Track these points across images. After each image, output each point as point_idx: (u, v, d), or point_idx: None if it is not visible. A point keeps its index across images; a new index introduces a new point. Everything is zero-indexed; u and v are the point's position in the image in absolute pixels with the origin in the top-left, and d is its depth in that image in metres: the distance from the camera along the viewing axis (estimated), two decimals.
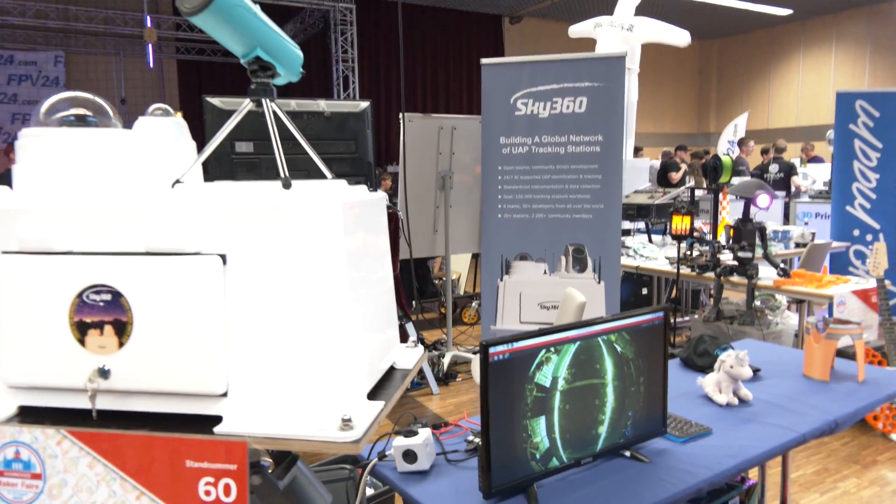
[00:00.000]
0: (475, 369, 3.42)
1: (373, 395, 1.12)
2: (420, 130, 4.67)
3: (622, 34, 5.71)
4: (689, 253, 4.66)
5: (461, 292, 6.55)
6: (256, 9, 1.08)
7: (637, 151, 9.73)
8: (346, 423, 0.95)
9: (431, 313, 6.54)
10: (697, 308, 5.67)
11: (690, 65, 16.18)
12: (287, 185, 1.01)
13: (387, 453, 1.68)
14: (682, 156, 9.71)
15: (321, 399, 0.97)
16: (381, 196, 1.22)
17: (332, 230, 1.00)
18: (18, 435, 1.03)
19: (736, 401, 1.98)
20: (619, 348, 1.62)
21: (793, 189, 7.84)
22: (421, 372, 4.54)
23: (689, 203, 4.68)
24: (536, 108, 4.13)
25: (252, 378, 0.98)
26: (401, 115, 4.49)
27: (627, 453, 1.67)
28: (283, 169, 1.03)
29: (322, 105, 4.27)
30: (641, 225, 6.20)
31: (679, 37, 5.80)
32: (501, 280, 4.30)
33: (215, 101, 3.76)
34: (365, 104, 4.32)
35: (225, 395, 0.99)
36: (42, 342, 1.02)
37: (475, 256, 6.45)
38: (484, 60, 4.20)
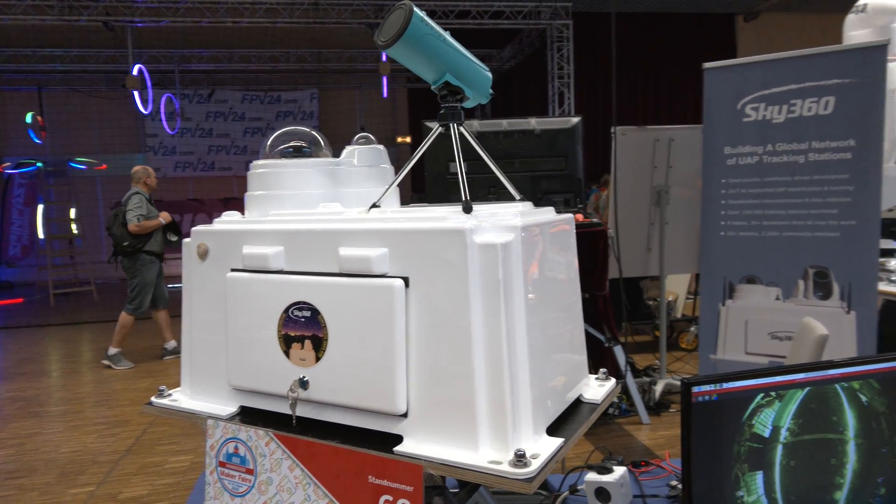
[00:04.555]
0: None
1: (554, 429, 1.06)
2: (634, 144, 4.45)
3: (858, 17, 4.83)
4: None
5: (678, 315, 6.08)
6: (446, 35, 1.10)
7: None
8: (520, 459, 0.90)
9: (645, 336, 6.17)
10: None
11: None
12: (468, 209, 1.00)
13: (578, 487, 1.59)
14: None
15: (495, 430, 0.94)
16: (568, 217, 1.16)
17: (511, 254, 0.97)
18: (238, 432, 1.16)
19: None
20: (864, 399, 1.33)
21: None
22: (631, 399, 4.29)
23: None
24: (770, 113, 3.68)
25: (430, 402, 0.99)
26: (612, 130, 4.32)
27: None
28: (465, 192, 1.03)
29: (532, 123, 4.29)
30: None
31: None
32: (724, 305, 3.89)
33: (432, 125, 4.00)
34: (575, 120, 4.25)
35: (405, 415, 1.01)
36: (257, 351, 1.14)
37: (697, 276, 5.94)
38: (706, 65, 3.87)
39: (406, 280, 1.00)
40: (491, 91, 1.22)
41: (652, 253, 4.60)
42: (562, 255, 1.14)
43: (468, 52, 1.15)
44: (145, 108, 9.57)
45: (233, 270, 1.18)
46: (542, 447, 0.96)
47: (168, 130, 11.26)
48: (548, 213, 1.13)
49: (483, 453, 0.94)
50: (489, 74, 1.20)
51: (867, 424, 1.34)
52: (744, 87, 3.73)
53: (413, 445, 0.99)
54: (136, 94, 9.16)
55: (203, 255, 1.22)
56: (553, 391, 1.06)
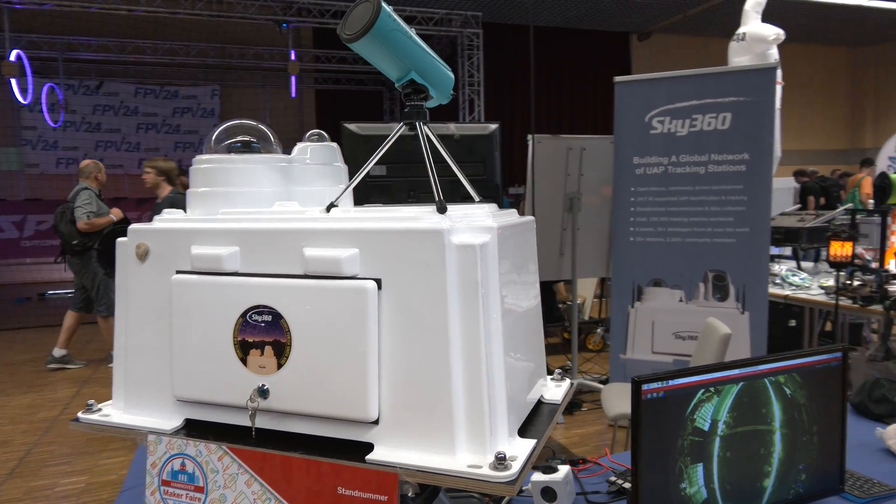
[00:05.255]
0: (605, 400, 3.25)
1: (522, 431, 1.06)
2: (548, 152, 4.60)
3: (739, 45, 5.31)
4: (849, 282, 4.18)
5: (586, 317, 6.34)
6: (412, 32, 1.08)
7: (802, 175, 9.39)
8: (501, 462, 0.89)
9: (554, 338, 6.37)
10: (859, 345, 5.07)
11: (842, 75, 14.83)
12: (442, 209, 0.98)
13: (524, 488, 1.60)
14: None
15: (473, 434, 0.93)
16: (530, 220, 1.17)
17: (487, 255, 0.96)
18: (185, 448, 1.07)
19: None
20: (788, 391, 1.44)
21: None
22: None
23: (849, 226, 4.21)
24: (674, 126, 3.92)
25: (403, 407, 0.96)
26: (529, 137, 4.44)
27: None
28: (437, 192, 1.01)
29: (452, 128, 4.31)
30: (788, 251, 5.69)
31: (769, 31, 5.24)
32: (633, 307, 4.09)
33: (352, 126, 3.93)
34: (493, 126, 4.32)
35: (377, 422, 0.97)
36: (208, 359, 1.06)
37: (602, 280, 6.22)
38: (617, 78, 4.06)
39: (378, 282, 0.96)
40: (452, 92, 1.21)
41: (564, 257, 4.76)
42: (526, 257, 1.15)
43: (433, 52, 1.14)
44: (24, 98, 8.74)
45: (178, 272, 1.10)
46: (518, 449, 0.96)
47: (50, 123, 10.34)
48: (512, 216, 1.14)
49: (461, 458, 0.93)
50: (451, 75, 1.19)
51: (791, 415, 1.45)
52: (650, 101, 3.95)
53: (386, 453, 0.96)
54: (13, 81, 8.35)
55: (143, 255, 1.12)
56: (522, 392, 1.07)
